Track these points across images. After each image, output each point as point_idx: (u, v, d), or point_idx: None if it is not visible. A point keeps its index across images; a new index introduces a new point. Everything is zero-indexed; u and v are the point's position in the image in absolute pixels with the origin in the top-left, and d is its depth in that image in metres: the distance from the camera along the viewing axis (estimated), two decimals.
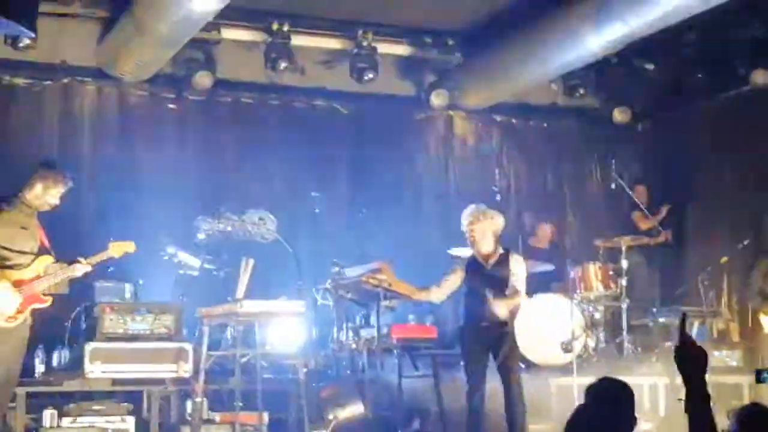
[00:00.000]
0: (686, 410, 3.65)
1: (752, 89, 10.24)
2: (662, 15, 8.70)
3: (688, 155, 11.26)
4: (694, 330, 9.53)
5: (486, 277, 7.88)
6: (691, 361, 3.70)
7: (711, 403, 3.63)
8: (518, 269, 7.93)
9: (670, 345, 9.64)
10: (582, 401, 4.37)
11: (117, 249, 7.58)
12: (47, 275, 7.31)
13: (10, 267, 7.18)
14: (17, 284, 7.17)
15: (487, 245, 7.87)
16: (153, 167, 10.21)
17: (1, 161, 9.30)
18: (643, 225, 10.59)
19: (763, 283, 9.15)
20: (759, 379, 4.73)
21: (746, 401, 6.48)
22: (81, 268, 7.39)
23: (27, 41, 9.24)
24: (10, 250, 7.19)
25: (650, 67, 11.06)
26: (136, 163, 10.18)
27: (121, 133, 10.28)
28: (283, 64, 10.18)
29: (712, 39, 10.33)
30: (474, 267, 8.00)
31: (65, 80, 10.04)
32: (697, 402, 3.63)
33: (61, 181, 7.37)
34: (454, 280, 8.06)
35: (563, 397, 8.40)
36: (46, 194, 7.30)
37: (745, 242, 9.38)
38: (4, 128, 9.79)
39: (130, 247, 7.66)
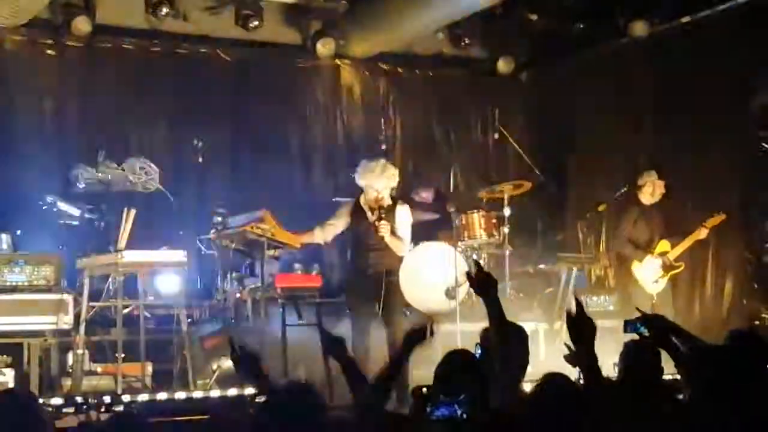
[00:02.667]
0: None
1: (630, 40, 10.39)
2: None
3: (569, 105, 11.41)
4: (572, 276, 9.72)
5: (371, 225, 7.90)
6: (582, 333, 4.08)
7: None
8: (402, 218, 8.00)
9: (550, 291, 9.84)
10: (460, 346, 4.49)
11: None
12: None
13: None
14: None
15: (379, 200, 7.90)
16: (31, 114, 9.95)
17: None
18: None
19: (632, 230, 9.39)
20: (626, 330, 4.85)
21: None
22: None
23: None
24: None
25: (533, 17, 11.13)
26: (13, 110, 9.87)
27: None
28: (164, 10, 9.96)
29: None
30: (359, 214, 8.02)
31: None
32: (586, 361, 4.02)
33: None
34: (338, 224, 8.13)
35: (447, 344, 8.45)
36: None
37: (623, 190, 9.57)
38: None
39: None
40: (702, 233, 9.19)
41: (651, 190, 9.32)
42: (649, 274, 9.23)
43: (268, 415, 3.75)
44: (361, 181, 8.01)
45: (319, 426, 3.74)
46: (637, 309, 4.99)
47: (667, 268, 9.22)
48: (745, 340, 4.71)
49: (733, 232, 9.71)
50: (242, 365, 4.48)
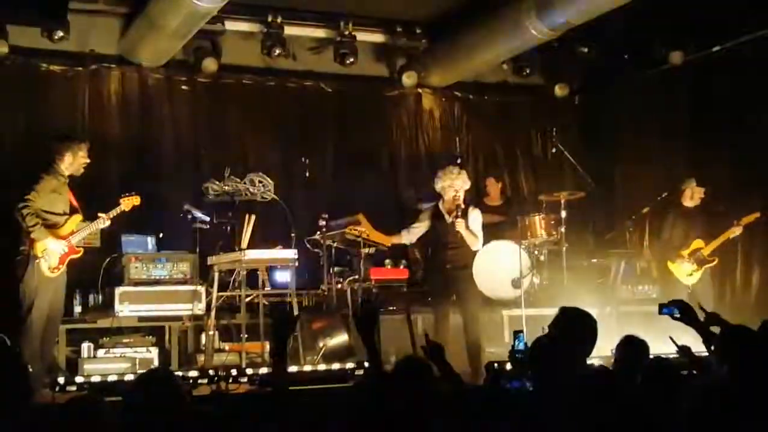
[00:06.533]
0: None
1: (669, 67, 10.23)
2: (594, 7, 8.71)
3: (616, 123, 11.26)
4: (620, 268, 9.60)
5: (448, 225, 7.90)
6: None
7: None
8: (475, 218, 7.98)
9: (601, 281, 9.73)
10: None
11: (127, 203, 7.60)
12: (78, 231, 7.33)
13: (50, 227, 7.18)
14: (59, 240, 7.18)
15: (456, 200, 7.87)
16: (169, 139, 10.16)
17: (41, 137, 9.22)
18: None
19: (671, 231, 9.25)
20: (661, 312, 4.83)
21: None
22: (101, 222, 7.45)
23: (60, 34, 9.18)
24: (50, 212, 7.20)
25: (584, 49, 11.02)
26: (155, 136, 10.10)
27: (142, 111, 10.13)
28: (277, 51, 10.09)
29: (636, 25, 10.30)
30: (438, 217, 8.03)
31: (94, 66, 9.89)
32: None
33: (82, 144, 7.41)
34: (421, 227, 8.14)
35: (513, 326, 8.44)
36: (77, 159, 7.34)
37: (663, 195, 9.43)
38: (43, 109, 9.67)
39: (136, 200, 7.66)
40: (737, 230, 9.01)
41: (690, 194, 9.17)
42: (683, 269, 9.09)
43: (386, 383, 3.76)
44: (440, 184, 7.95)
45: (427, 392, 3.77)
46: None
47: (700, 262, 9.06)
48: None
49: (761, 231, 9.49)
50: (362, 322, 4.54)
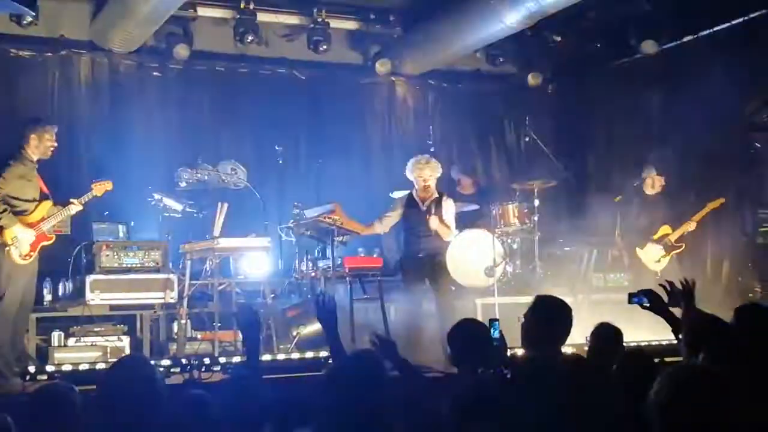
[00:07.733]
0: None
1: (642, 57, 10.29)
2: None
3: (588, 113, 11.32)
4: (592, 257, 9.68)
5: (422, 214, 7.92)
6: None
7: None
8: (448, 208, 8.02)
9: (575, 268, 9.79)
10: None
11: (99, 188, 7.55)
12: (49, 217, 7.27)
13: (20, 213, 7.11)
14: (28, 227, 7.12)
15: (427, 189, 7.90)
16: (140, 126, 10.02)
17: (11, 122, 9.12)
18: None
19: (635, 219, 9.36)
20: (630, 301, 4.84)
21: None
22: (74, 208, 7.41)
23: (29, 19, 9.07)
24: (19, 199, 7.13)
25: (558, 38, 11.05)
26: (125, 123, 9.98)
27: (113, 97, 10.06)
28: (249, 38, 10.03)
29: (609, 15, 10.35)
30: (411, 205, 8.05)
31: (64, 52, 9.81)
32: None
33: (48, 127, 7.32)
34: (394, 216, 8.17)
35: (486, 314, 8.47)
36: (43, 143, 7.24)
37: (635, 184, 9.52)
38: (14, 94, 9.57)
39: (108, 185, 7.62)
40: (691, 226, 9.15)
41: (651, 183, 9.32)
42: (651, 256, 9.19)
43: (339, 377, 3.75)
44: (411, 174, 8.00)
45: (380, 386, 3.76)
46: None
47: (668, 248, 9.18)
48: (752, 314, 4.50)
49: (730, 219, 9.59)
50: (326, 320, 4.52)
